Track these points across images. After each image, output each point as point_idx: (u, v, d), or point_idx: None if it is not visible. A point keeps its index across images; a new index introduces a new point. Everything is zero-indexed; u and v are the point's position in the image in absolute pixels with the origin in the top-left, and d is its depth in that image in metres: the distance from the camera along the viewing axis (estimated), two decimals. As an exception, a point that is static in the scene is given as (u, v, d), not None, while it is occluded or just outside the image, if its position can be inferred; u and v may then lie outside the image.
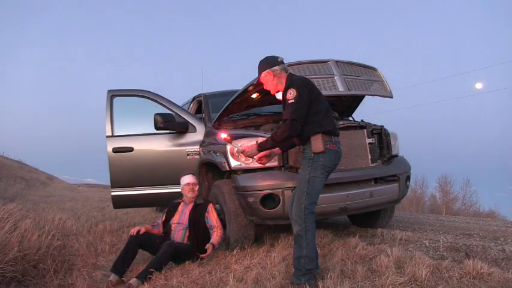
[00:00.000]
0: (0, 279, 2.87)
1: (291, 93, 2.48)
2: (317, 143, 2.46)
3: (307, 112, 2.48)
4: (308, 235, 2.40)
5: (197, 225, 3.46)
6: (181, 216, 3.56)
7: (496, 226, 4.81)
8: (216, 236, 3.42)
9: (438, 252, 3.29)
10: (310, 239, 2.40)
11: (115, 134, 4.30)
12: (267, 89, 2.72)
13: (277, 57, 2.66)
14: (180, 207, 3.65)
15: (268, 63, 2.64)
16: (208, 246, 3.28)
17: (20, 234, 3.57)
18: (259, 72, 2.69)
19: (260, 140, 2.70)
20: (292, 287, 2.38)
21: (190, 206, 3.59)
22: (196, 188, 3.65)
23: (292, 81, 2.57)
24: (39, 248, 3.56)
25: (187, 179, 3.65)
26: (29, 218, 4.40)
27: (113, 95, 4.39)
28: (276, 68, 2.62)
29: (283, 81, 2.62)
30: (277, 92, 2.69)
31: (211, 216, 3.50)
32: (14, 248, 3.23)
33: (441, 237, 3.73)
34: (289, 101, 2.47)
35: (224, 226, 3.56)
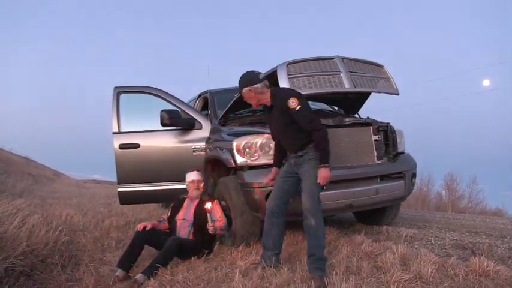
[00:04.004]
0: (9, 273, 2.91)
1: (294, 102, 2.59)
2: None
3: None
4: (323, 224, 2.62)
5: (202, 222, 3.47)
6: (187, 213, 3.58)
7: (502, 224, 4.78)
8: (217, 224, 3.44)
9: (444, 249, 3.28)
10: (324, 229, 2.66)
11: (121, 131, 4.33)
12: (249, 102, 2.82)
13: (258, 73, 2.76)
14: (185, 204, 3.67)
15: (250, 80, 2.72)
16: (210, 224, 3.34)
17: (28, 229, 3.61)
18: (240, 89, 2.77)
19: (323, 169, 2.61)
20: (319, 279, 2.40)
21: (195, 203, 3.61)
22: (201, 185, 3.67)
23: (288, 92, 2.78)
24: (47, 243, 3.60)
25: (192, 176, 3.67)
26: (37, 214, 4.45)
27: (119, 91, 4.41)
28: (258, 86, 2.70)
29: (267, 95, 2.74)
30: (259, 105, 2.84)
31: (215, 212, 3.50)
32: (23, 243, 3.27)
33: (447, 234, 3.72)
34: (295, 109, 2.58)
35: (230, 223, 3.57)
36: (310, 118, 2.62)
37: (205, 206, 3.39)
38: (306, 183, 2.66)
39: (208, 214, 3.38)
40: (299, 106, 2.58)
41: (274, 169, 3.04)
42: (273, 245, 2.84)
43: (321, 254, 2.54)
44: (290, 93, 2.71)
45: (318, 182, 2.59)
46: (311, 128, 2.60)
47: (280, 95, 2.69)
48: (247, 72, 2.78)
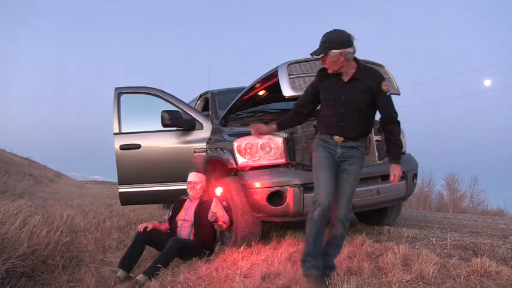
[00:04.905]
0: (10, 274, 2.91)
1: (386, 85, 2.31)
2: (372, 141, 2.39)
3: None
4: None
5: (202, 222, 3.47)
6: (187, 213, 3.58)
7: (504, 224, 4.77)
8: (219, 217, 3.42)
9: (445, 250, 3.27)
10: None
11: (122, 131, 4.33)
12: (328, 67, 2.30)
13: (350, 35, 2.25)
14: (186, 204, 3.67)
15: (343, 41, 2.21)
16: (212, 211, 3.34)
17: (30, 230, 3.62)
18: (326, 49, 2.22)
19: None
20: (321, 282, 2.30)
21: (195, 203, 3.61)
22: (198, 186, 3.65)
23: (379, 72, 2.39)
24: (48, 244, 3.60)
25: (189, 177, 3.68)
26: (38, 215, 4.45)
27: (120, 92, 4.41)
28: (350, 50, 2.23)
29: (352, 65, 2.29)
30: (335, 72, 2.32)
31: (217, 209, 3.48)
32: (24, 243, 3.27)
33: (448, 235, 3.71)
34: (387, 93, 2.31)
35: (231, 223, 3.57)
36: (395, 108, 2.35)
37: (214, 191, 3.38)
38: (349, 184, 2.36)
39: (214, 200, 3.37)
40: (389, 92, 2.31)
41: (275, 126, 2.66)
42: (319, 250, 2.33)
43: (333, 263, 2.48)
44: (381, 75, 2.38)
45: (392, 179, 2.35)
46: (395, 118, 2.34)
47: (374, 73, 2.34)
48: (339, 30, 2.26)
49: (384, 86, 2.30)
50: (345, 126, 2.34)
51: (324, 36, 2.25)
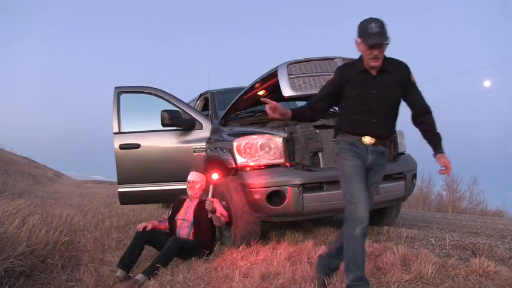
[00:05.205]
0: (9, 273, 2.91)
1: (413, 76, 2.20)
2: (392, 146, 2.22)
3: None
4: None
5: (202, 222, 3.47)
6: (187, 213, 3.58)
7: (503, 225, 4.78)
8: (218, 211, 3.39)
9: (444, 250, 3.27)
10: None
11: (122, 131, 4.33)
12: (379, 55, 2.09)
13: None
14: (185, 203, 3.67)
15: (385, 31, 2.04)
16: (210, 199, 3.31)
17: (29, 229, 3.62)
18: (385, 38, 2.04)
19: None
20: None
21: (195, 202, 3.61)
22: (197, 186, 3.63)
23: (404, 62, 2.24)
24: (47, 243, 3.60)
25: (188, 177, 3.68)
26: (37, 214, 4.45)
27: (120, 91, 4.42)
28: (387, 42, 2.07)
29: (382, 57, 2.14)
30: (379, 64, 2.12)
31: (215, 199, 3.46)
32: (23, 243, 3.27)
33: (447, 235, 3.72)
34: (415, 83, 2.20)
35: (230, 223, 3.57)
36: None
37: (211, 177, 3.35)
38: (377, 180, 2.26)
39: (211, 187, 3.35)
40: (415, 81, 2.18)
41: (290, 112, 2.32)
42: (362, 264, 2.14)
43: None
44: (408, 65, 2.23)
45: (444, 171, 2.14)
46: (429, 108, 2.21)
47: (401, 63, 2.20)
48: (379, 19, 2.07)
49: (412, 76, 2.20)
50: (377, 123, 2.17)
51: (379, 21, 2.05)
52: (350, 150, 2.18)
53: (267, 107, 2.25)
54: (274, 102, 2.23)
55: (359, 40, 2.09)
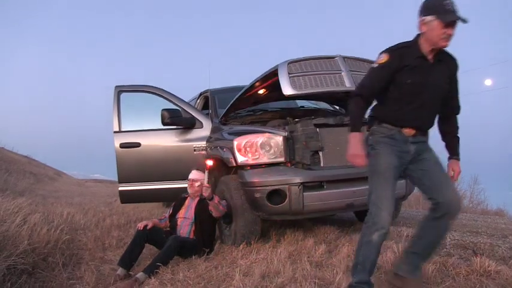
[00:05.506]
0: (11, 271, 2.92)
1: None
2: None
3: None
4: None
5: (203, 220, 3.47)
6: (188, 211, 3.58)
7: (504, 224, 4.76)
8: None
9: (445, 249, 3.27)
10: None
11: (122, 130, 4.34)
12: (451, 36, 1.90)
13: None
14: (186, 202, 3.67)
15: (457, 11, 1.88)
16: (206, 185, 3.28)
17: (30, 228, 3.62)
18: (457, 20, 1.86)
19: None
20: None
21: (196, 201, 3.61)
22: (197, 184, 3.63)
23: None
24: (48, 241, 3.60)
25: (190, 175, 3.68)
26: (38, 212, 4.45)
27: (120, 90, 4.42)
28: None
29: None
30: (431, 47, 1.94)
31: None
32: (24, 241, 3.27)
33: (448, 234, 3.71)
34: (458, 83, 2.08)
35: (231, 221, 3.58)
36: None
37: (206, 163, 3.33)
38: (440, 166, 2.06)
39: (206, 172, 3.33)
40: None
41: (361, 134, 2.06)
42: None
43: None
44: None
45: (452, 176, 2.09)
46: (460, 109, 2.12)
47: (451, 55, 2.04)
48: None
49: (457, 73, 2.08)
50: (427, 116, 2.03)
51: (452, 1, 1.87)
52: (388, 145, 2.01)
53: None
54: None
55: (431, 18, 1.86)
